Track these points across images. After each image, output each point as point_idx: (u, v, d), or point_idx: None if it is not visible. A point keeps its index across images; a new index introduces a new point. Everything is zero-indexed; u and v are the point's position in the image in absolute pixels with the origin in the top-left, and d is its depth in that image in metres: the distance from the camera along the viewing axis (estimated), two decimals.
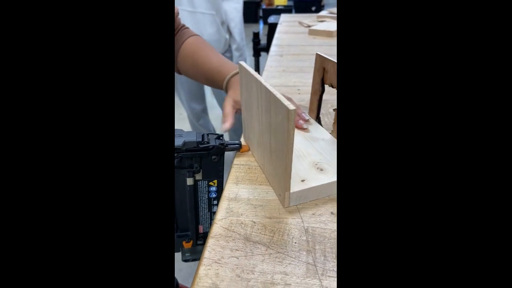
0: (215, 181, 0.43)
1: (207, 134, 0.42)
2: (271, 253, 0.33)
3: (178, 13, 0.65)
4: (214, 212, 0.44)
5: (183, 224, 0.46)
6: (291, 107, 0.30)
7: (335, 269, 0.31)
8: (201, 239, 0.47)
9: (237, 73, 0.57)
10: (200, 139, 0.40)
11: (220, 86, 0.60)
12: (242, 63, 0.42)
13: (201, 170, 0.42)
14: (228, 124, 0.51)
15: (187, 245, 0.47)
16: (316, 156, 0.46)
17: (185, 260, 0.48)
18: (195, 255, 0.48)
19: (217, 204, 0.44)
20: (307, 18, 1.53)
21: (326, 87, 0.50)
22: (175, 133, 0.41)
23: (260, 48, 1.54)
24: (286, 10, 5.64)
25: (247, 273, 0.32)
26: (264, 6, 5.96)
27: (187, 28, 0.67)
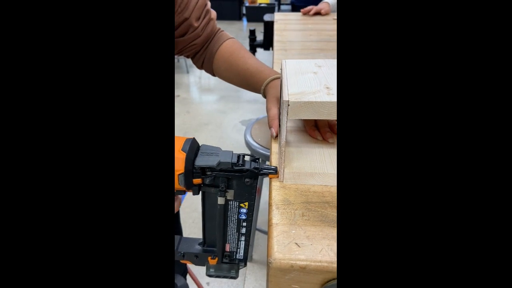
0: (246, 203, 0.42)
1: (243, 156, 0.41)
2: None
3: (215, 17, 0.66)
4: (242, 234, 0.44)
5: (210, 240, 0.46)
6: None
7: None
8: (226, 257, 0.46)
9: (277, 77, 0.58)
10: (235, 161, 0.39)
11: (257, 88, 0.61)
12: (285, 61, 0.45)
13: (233, 190, 0.41)
14: (275, 130, 0.50)
15: (212, 261, 0.47)
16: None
17: (209, 275, 0.48)
18: (219, 272, 0.48)
19: (245, 226, 0.44)
20: (299, 16, 1.58)
21: None
22: (212, 151, 0.41)
23: (256, 45, 1.58)
24: (269, 8, 5.70)
25: None
26: (247, 4, 5.98)
27: (223, 31, 0.69)
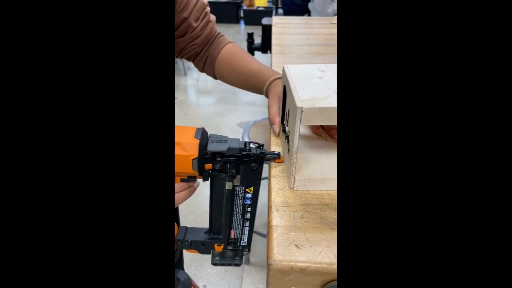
0: (252, 188, 0.45)
1: (249, 143, 0.44)
2: None
3: (214, 20, 0.67)
4: (247, 219, 0.47)
5: (216, 227, 0.48)
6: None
7: None
8: (231, 244, 0.49)
9: (279, 77, 0.59)
10: (243, 147, 0.42)
11: (260, 88, 0.62)
12: (287, 66, 0.46)
13: (239, 176, 0.44)
14: (277, 127, 0.51)
15: (218, 248, 0.49)
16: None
17: (214, 264, 0.50)
18: (224, 259, 0.50)
19: (250, 211, 0.46)
20: (297, 20, 1.59)
21: None
22: (221, 139, 0.43)
23: (254, 48, 1.59)
24: (267, 11, 5.72)
25: None
26: (244, 7, 6.00)
27: (224, 35, 0.70)
